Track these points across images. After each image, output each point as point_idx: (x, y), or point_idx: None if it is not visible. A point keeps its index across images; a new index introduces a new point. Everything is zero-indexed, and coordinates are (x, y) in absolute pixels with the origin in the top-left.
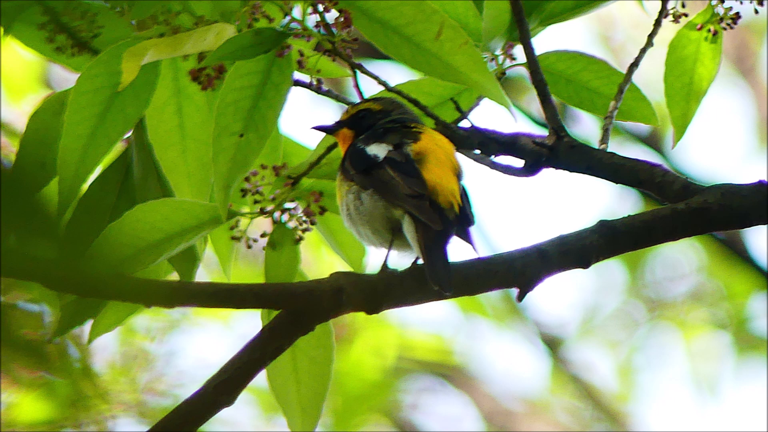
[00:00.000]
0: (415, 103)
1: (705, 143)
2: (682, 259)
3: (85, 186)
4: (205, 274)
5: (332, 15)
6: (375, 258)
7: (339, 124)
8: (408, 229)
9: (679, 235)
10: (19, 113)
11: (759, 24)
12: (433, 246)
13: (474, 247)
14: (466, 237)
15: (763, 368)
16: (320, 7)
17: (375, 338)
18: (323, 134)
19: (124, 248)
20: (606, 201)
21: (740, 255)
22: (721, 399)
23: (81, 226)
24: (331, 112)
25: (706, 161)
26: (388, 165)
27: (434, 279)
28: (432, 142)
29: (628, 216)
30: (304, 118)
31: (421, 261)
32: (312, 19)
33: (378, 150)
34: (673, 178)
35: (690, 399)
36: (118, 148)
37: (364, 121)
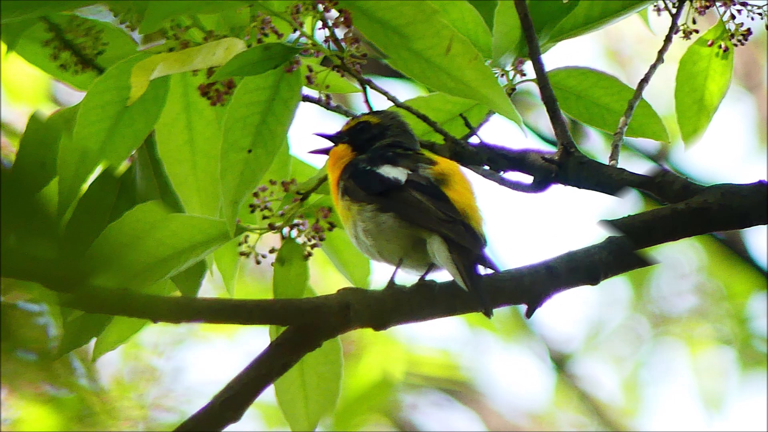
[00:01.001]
0: (424, 119)
1: (705, 144)
2: (683, 259)
3: (85, 186)
4: (211, 289)
5: (341, 31)
6: (379, 276)
7: (338, 135)
8: (438, 249)
9: (679, 235)
10: (20, 113)
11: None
12: (471, 269)
13: (497, 269)
14: (485, 259)
15: (765, 383)
16: (329, 22)
17: (383, 354)
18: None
19: (132, 264)
20: (605, 201)
21: (740, 255)
22: (726, 414)
23: (81, 227)
24: (339, 128)
25: (705, 161)
26: (411, 188)
27: (481, 302)
28: (448, 166)
29: (628, 216)
30: (314, 134)
31: (429, 277)
32: (321, 34)
33: (396, 173)
34: (673, 178)
35: (695, 414)
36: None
37: (362, 134)
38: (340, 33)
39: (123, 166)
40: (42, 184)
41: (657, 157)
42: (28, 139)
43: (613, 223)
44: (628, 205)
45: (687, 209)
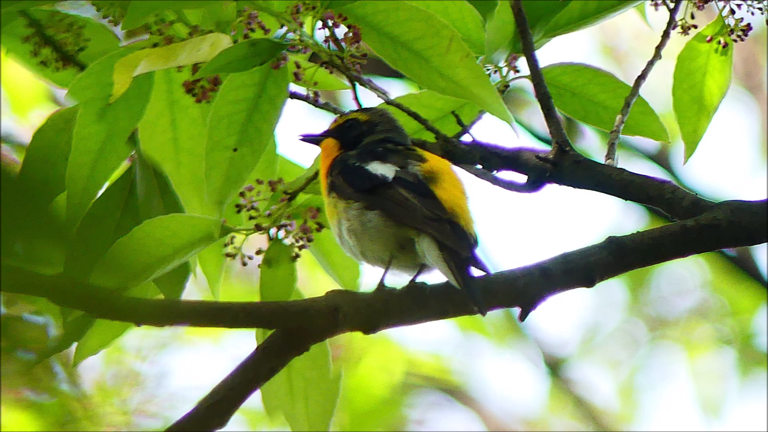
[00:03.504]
0: (415, 116)
1: (710, 158)
2: (686, 274)
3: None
4: (195, 292)
5: (340, 30)
6: (368, 278)
7: (326, 134)
8: (428, 248)
9: (689, 252)
10: (27, 127)
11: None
12: (463, 268)
13: (487, 270)
14: (476, 259)
15: (765, 385)
16: (329, 22)
17: (382, 355)
18: (318, 149)
19: (124, 266)
20: (611, 216)
21: (746, 270)
22: (724, 419)
23: (85, 243)
24: (327, 126)
25: (711, 176)
26: (399, 185)
27: (475, 301)
28: (438, 164)
29: (637, 232)
30: (301, 131)
31: (419, 279)
32: (320, 35)
33: (384, 169)
34: (683, 194)
35: (693, 419)
36: (124, 165)
37: (350, 132)
38: (339, 33)
39: (123, 166)
40: (49, 198)
41: (653, 155)
42: (32, 157)
43: (621, 240)
44: (632, 220)
45: (696, 226)
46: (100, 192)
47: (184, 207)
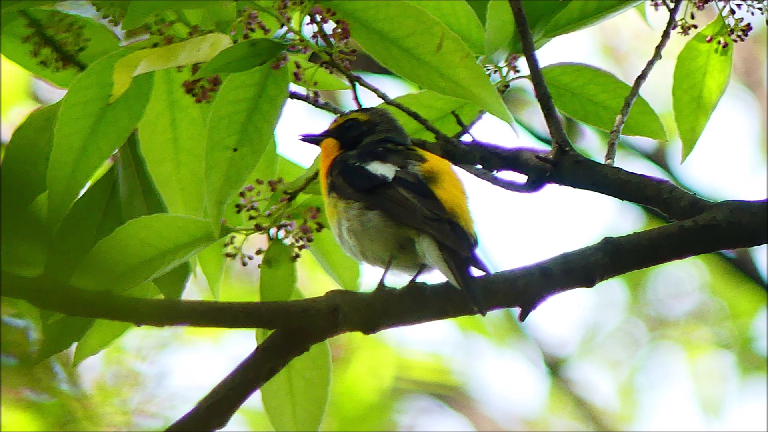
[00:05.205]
0: (415, 116)
1: (710, 157)
2: (685, 276)
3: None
4: (195, 292)
5: (329, 26)
6: (369, 278)
7: (326, 134)
8: (428, 248)
9: (687, 253)
10: (7, 125)
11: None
12: (463, 268)
13: (487, 270)
14: (476, 259)
15: (765, 388)
16: (318, 18)
17: (372, 358)
18: (318, 149)
19: (115, 265)
20: (608, 217)
21: (746, 272)
22: (724, 420)
23: (67, 245)
24: (327, 127)
25: (710, 176)
26: (399, 185)
27: (475, 300)
28: (438, 164)
29: (634, 233)
30: (301, 131)
31: (419, 279)
32: (308, 30)
33: (384, 169)
34: (681, 194)
35: (693, 419)
36: (105, 165)
37: (350, 132)
38: (328, 28)
39: (105, 166)
40: (27, 202)
41: (652, 155)
42: (12, 156)
43: (617, 241)
44: (629, 217)
45: (695, 226)
46: (82, 192)
47: (167, 207)
